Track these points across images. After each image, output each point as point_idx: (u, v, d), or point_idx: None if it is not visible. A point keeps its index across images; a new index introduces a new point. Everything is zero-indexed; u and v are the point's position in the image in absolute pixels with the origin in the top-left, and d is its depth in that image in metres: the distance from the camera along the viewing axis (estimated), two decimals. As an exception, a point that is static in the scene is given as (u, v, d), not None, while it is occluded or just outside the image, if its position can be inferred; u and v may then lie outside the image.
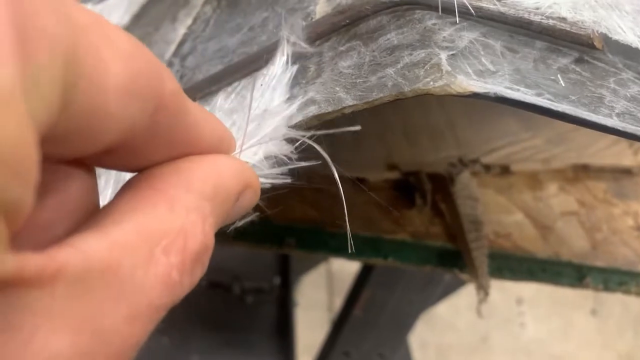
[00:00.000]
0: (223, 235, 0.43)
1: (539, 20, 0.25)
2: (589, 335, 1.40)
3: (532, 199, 0.52)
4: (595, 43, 0.25)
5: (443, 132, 0.52)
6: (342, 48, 0.25)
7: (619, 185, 0.56)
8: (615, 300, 1.39)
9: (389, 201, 0.48)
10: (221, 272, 1.00)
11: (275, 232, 0.44)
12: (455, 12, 0.24)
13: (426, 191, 0.48)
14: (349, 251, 0.45)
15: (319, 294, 1.39)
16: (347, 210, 0.47)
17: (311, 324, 1.33)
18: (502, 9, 0.25)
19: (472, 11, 0.24)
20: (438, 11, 0.24)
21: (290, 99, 0.25)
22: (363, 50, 0.25)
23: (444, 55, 0.23)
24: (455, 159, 0.51)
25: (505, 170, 0.52)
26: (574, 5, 0.26)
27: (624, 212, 0.54)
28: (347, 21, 0.25)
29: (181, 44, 0.34)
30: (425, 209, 0.48)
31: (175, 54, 0.34)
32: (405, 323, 0.84)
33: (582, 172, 0.56)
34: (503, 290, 1.40)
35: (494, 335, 1.37)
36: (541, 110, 0.22)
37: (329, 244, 0.45)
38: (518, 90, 0.23)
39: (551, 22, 0.25)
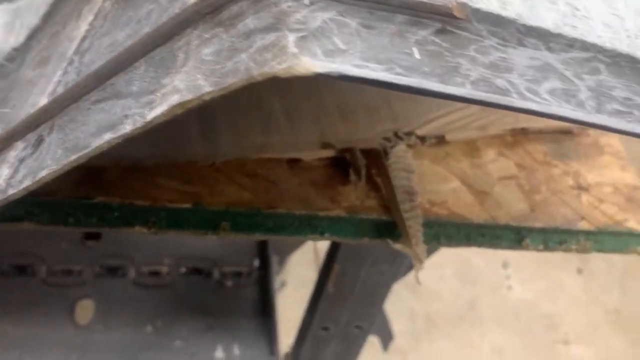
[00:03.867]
0: (155, 225, 0.44)
1: (395, -5, 0.25)
2: (576, 294, 1.42)
3: (469, 166, 0.53)
4: (455, 12, 0.26)
5: (379, 107, 0.53)
6: (206, 36, 0.26)
7: (560, 146, 0.57)
8: (600, 258, 1.41)
9: (325, 179, 0.49)
10: (200, 259, 1.01)
11: (209, 217, 0.45)
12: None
13: (360, 166, 0.49)
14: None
15: (307, 272, 1.40)
16: (283, 191, 0.48)
17: (301, 303, 1.35)
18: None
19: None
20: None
21: (159, 88, 0.26)
22: (224, 36, 0.25)
23: (292, 38, 0.23)
24: (391, 132, 0.51)
25: (440, 140, 0.53)
26: (432, -22, 0.26)
27: (564, 172, 0.55)
28: (209, 9, 0.26)
29: (82, 40, 0.35)
30: (360, 183, 0.49)
31: (76, 51, 0.35)
32: (379, 294, 0.86)
33: (521, 136, 0.56)
34: (488, 255, 1.41)
35: (481, 300, 1.38)
36: (387, 85, 0.23)
37: (264, 225, 0.46)
38: (366, 66, 0.23)
39: (408, -4, 0.26)
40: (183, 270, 1.00)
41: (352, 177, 0.49)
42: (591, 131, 0.59)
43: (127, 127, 0.26)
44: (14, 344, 0.87)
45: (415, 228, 0.47)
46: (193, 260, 1.00)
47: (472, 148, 0.54)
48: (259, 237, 0.47)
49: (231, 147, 0.47)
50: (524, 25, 0.27)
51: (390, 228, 0.48)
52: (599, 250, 0.53)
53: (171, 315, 0.96)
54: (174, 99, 0.25)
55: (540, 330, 1.36)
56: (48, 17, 0.41)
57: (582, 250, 0.52)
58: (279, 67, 0.22)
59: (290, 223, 0.47)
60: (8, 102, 0.36)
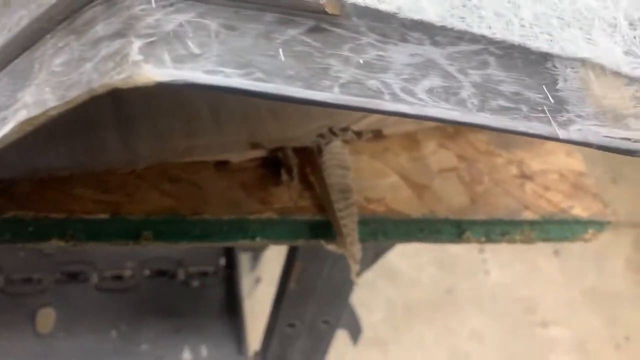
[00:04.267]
0: (73, 238, 0.42)
1: (261, -8, 0.24)
2: (553, 276, 1.41)
3: (408, 159, 0.51)
4: (327, 9, 0.24)
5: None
6: (60, 44, 0.24)
7: (504, 135, 0.55)
8: (576, 239, 1.40)
9: (256, 180, 0.47)
10: (164, 260, 0.99)
11: (129, 227, 0.43)
12: (169, -6, 0.23)
13: (292, 166, 0.47)
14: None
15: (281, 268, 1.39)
16: (210, 196, 0.46)
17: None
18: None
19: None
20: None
21: (13, 103, 0.24)
22: (75, 45, 0.23)
23: (137, 44, 0.21)
24: (325, 129, 0.50)
25: (378, 134, 0.51)
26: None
27: (507, 162, 0.54)
28: (63, 15, 0.24)
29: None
30: (293, 183, 0.47)
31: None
32: (343, 289, 0.84)
33: (463, 126, 0.54)
34: (464, 241, 1.40)
35: (459, 286, 1.38)
36: (242, 92, 0.21)
37: (190, 232, 0.44)
38: (220, 72, 0.21)
39: (275, -7, 0.24)
40: (147, 272, 0.98)
41: (284, 177, 0.47)
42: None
43: (-22, 148, 0.24)
44: (-25, 356, 0.86)
45: (350, 227, 0.46)
46: (157, 261, 0.98)
47: (411, 141, 0.52)
48: (185, 245, 0.45)
49: (153, 152, 0.45)
50: (408, 19, 0.25)
51: (325, 228, 0.47)
52: (545, 240, 0.52)
53: (136, 319, 0.94)
54: (22, 115, 0.23)
55: (518, 313, 1.36)
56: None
57: (527, 241, 0.51)
58: (117, 77, 0.20)
59: (218, 229, 0.45)
60: None
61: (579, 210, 0.52)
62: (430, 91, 0.23)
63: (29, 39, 0.25)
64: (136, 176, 0.44)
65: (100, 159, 0.44)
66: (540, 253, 1.42)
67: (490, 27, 0.26)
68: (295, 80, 0.22)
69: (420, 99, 0.23)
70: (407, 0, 0.25)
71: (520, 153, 0.55)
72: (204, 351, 0.93)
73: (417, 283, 1.37)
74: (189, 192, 0.45)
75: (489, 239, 0.50)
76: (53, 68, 0.23)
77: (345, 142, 0.50)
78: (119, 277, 0.95)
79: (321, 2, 0.24)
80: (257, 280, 1.33)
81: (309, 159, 0.49)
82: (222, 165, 0.47)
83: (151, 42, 0.22)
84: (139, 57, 0.21)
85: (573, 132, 0.24)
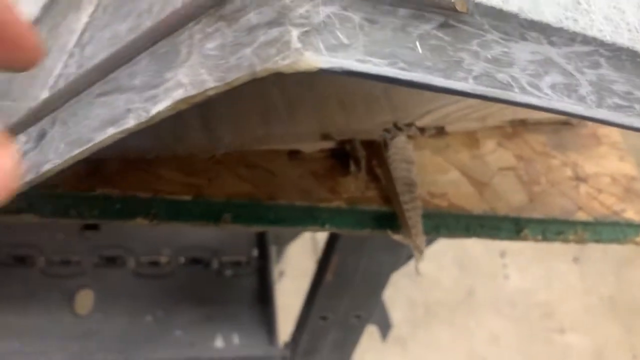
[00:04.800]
0: (156, 217, 0.44)
1: (399, -11, 0.25)
2: (572, 282, 1.43)
3: (469, 157, 0.53)
4: (457, 7, 0.26)
5: (378, 99, 0.53)
6: (209, 30, 0.26)
7: (558, 137, 0.57)
8: (596, 247, 1.41)
9: (326, 170, 0.49)
10: (199, 249, 1.02)
11: (211, 209, 0.45)
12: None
13: (360, 158, 0.49)
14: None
15: (305, 262, 1.41)
16: (284, 183, 0.48)
17: (299, 292, 1.36)
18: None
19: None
20: (299, -12, 0.25)
21: (162, 82, 0.26)
22: (227, 31, 0.25)
23: (295, 33, 0.23)
24: (390, 124, 0.52)
25: (440, 131, 0.53)
26: (435, -28, 0.26)
27: (562, 164, 0.56)
28: (212, 2, 0.26)
29: (83, 33, 0.35)
30: (361, 175, 0.49)
31: (76, 44, 0.35)
32: (378, 284, 0.86)
33: (520, 127, 0.56)
34: (486, 244, 1.42)
35: (479, 288, 1.39)
36: (390, 80, 0.23)
37: (266, 216, 0.46)
38: (370, 61, 0.23)
39: (410, -9, 0.26)
40: (182, 260, 1.00)
41: (352, 168, 0.49)
42: (589, 122, 0.59)
43: (131, 122, 0.26)
44: (14, 334, 0.88)
45: (415, 219, 0.48)
46: (192, 250, 1.01)
47: (472, 139, 0.54)
48: (260, 228, 0.47)
49: (232, 139, 0.47)
50: (526, 19, 0.27)
51: (390, 219, 0.49)
52: (597, 241, 0.53)
53: (171, 305, 0.96)
54: (178, 94, 0.25)
55: (536, 318, 1.38)
56: (48, 8, 0.40)
57: (580, 241, 0.53)
58: (282, 62, 0.22)
59: (291, 214, 0.47)
60: (9, 95, 0.36)
61: (631, 213, 0.54)
62: (553, 87, 0.25)
63: (174, 24, 0.27)
64: (216, 162, 0.46)
65: (184, 143, 0.46)
66: (560, 259, 1.44)
67: (600, 30, 0.28)
68: (434, 71, 0.24)
69: (546, 94, 0.25)
70: (527, 2, 0.27)
71: (574, 156, 0.56)
72: (235, 339, 0.95)
73: (438, 284, 1.39)
74: (264, 178, 0.47)
75: (545, 238, 0.52)
76: (207, 52, 0.25)
77: (410, 137, 0.52)
78: (155, 264, 0.97)
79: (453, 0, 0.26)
80: (281, 274, 1.36)
81: (375, 152, 0.50)
82: (294, 154, 0.49)
83: (306, 32, 0.23)
84: (299, 45, 0.23)
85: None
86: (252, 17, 0.25)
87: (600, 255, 1.44)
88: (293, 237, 1.37)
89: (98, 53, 0.32)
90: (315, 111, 0.51)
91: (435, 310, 1.36)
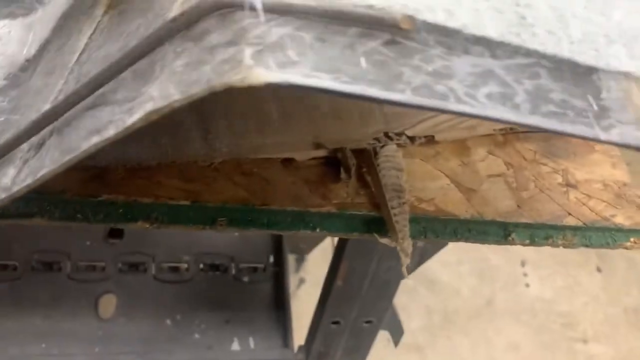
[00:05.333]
0: (157, 221, 0.47)
1: (349, 9, 0.28)
2: (595, 292, 1.41)
3: (459, 164, 0.55)
4: (401, 25, 0.28)
5: (372, 110, 0.56)
6: (179, 49, 0.29)
7: (549, 145, 0.59)
8: (620, 257, 1.40)
9: (317, 177, 0.52)
10: (218, 255, 1.05)
11: (207, 213, 0.48)
12: (273, 10, 0.28)
13: (350, 165, 0.52)
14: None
15: (324, 270, 1.43)
16: (277, 189, 0.51)
17: (317, 299, 1.38)
18: (314, 3, 0.28)
19: (285, 8, 0.28)
20: (257, 12, 0.28)
21: (138, 96, 0.29)
22: (193, 50, 0.28)
23: (249, 51, 0.26)
24: (381, 133, 0.54)
25: (430, 140, 0.55)
26: (382, -7, 0.29)
27: (553, 170, 0.57)
28: (183, 27, 0.29)
29: (82, 52, 0.39)
30: (351, 182, 0.52)
31: (76, 62, 0.38)
32: (387, 290, 0.88)
33: (511, 135, 0.58)
34: (506, 253, 1.42)
35: (498, 297, 1.39)
36: (333, 92, 0.26)
37: (259, 220, 0.49)
38: (315, 76, 0.26)
39: (360, 10, 0.28)
40: (201, 266, 1.04)
41: (343, 175, 0.52)
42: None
43: (111, 132, 0.29)
44: (41, 336, 0.93)
45: (402, 224, 0.50)
46: (211, 256, 1.05)
47: (462, 147, 0.56)
48: (254, 231, 0.50)
49: (229, 148, 0.50)
50: (472, 35, 0.29)
51: (378, 223, 0.51)
52: (586, 246, 0.54)
53: (190, 309, 1.00)
54: (149, 106, 0.28)
55: (557, 328, 1.37)
56: (57, 30, 0.44)
57: (569, 246, 0.54)
58: (234, 77, 0.25)
59: (283, 219, 0.50)
60: (19, 110, 0.40)
61: (621, 218, 0.55)
62: (489, 96, 0.27)
63: (151, 44, 0.30)
64: (214, 169, 0.49)
65: (183, 152, 0.49)
66: (582, 269, 1.43)
67: (542, 44, 0.30)
68: (375, 84, 0.27)
69: (481, 102, 0.27)
70: (472, 19, 0.29)
71: (565, 163, 0.58)
72: (251, 343, 0.98)
73: (457, 292, 1.39)
74: (259, 185, 0.50)
75: (533, 242, 0.53)
76: (175, 69, 0.28)
77: (400, 145, 0.54)
78: (175, 269, 1.01)
79: (397, 18, 0.28)
80: (301, 281, 1.38)
81: (365, 160, 0.53)
82: (288, 162, 0.52)
83: (259, 50, 0.26)
84: (251, 62, 0.26)
85: (614, 134, 0.27)
86: (214, 38, 0.28)
87: (624, 265, 1.42)
88: (312, 246, 1.40)
89: (93, 70, 0.35)
90: (309, 122, 0.53)
91: (453, 318, 1.36)
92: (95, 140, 0.30)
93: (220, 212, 0.48)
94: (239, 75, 0.25)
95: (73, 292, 0.98)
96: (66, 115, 0.33)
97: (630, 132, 0.27)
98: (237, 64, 0.26)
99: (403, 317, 1.05)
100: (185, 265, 1.03)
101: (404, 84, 0.27)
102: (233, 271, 1.04)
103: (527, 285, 1.42)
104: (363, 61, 0.27)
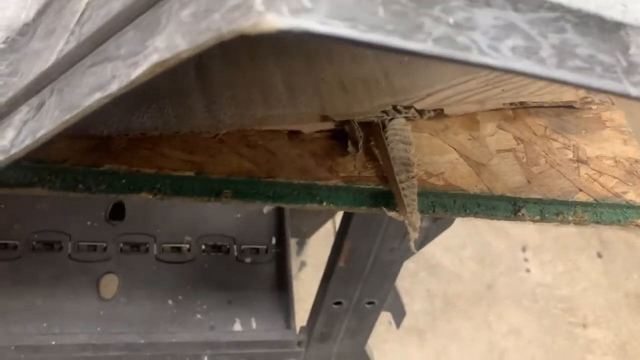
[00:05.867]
0: (160, 192, 0.46)
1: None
2: (595, 277, 1.41)
3: (468, 138, 0.54)
4: (422, -25, 0.27)
5: (378, 82, 0.54)
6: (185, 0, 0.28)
7: (560, 120, 0.57)
8: (620, 242, 1.39)
9: (324, 150, 0.51)
10: (219, 236, 1.04)
11: (212, 185, 0.47)
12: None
13: (358, 138, 0.50)
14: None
15: (326, 254, 1.43)
16: (283, 162, 0.50)
17: (319, 282, 1.38)
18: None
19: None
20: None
21: (143, 49, 0.28)
22: None
23: (260, -2, 0.25)
24: (390, 106, 0.53)
25: (439, 113, 0.54)
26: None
27: (563, 146, 0.56)
28: (189, -23, 0.28)
29: (83, 12, 0.37)
30: (358, 155, 0.50)
31: (77, 22, 0.37)
32: (390, 270, 0.87)
33: (522, 110, 0.57)
34: (507, 238, 1.41)
35: (499, 282, 1.39)
36: (349, 42, 0.24)
37: (264, 193, 0.48)
38: (330, 24, 0.25)
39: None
40: (203, 247, 1.03)
41: (351, 148, 0.51)
42: (594, 105, 0.59)
43: (114, 87, 0.28)
44: (42, 316, 0.92)
45: (410, 197, 0.49)
46: (213, 237, 1.03)
47: (471, 121, 0.55)
48: (259, 205, 0.49)
49: (233, 118, 0.49)
50: (491, -12, 0.28)
51: (386, 197, 0.50)
52: (597, 222, 0.53)
53: (192, 290, 0.99)
54: (154, 58, 0.27)
55: (558, 312, 1.36)
56: (57, -7, 0.43)
57: (580, 222, 0.53)
58: (245, 23, 0.24)
59: (289, 192, 0.48)
60: (17, 72, 0.39)
61: (633, 195, 0.54)
62: (513, 49, 0.26)
63: (156, -2, 0.29)
64: (218, 140, 0.48)
65: (187, 122, 0.48)
66: (583, 254, 1.42)
67: (567, -2, 0.28)
68: (394, 34, 0.25)
69: (504, 55, 0.26)
70: (492, -29, 0.28)
71: (575, 139, 0.56)
72: (253, 324, 0.98)
73: (458, 277, 1.39)
74: (264, 157, 0.49)
75: (543, 218, 0.52)
76: (182, 19, 0.27)
77: (408, 119, 0.53)
78: (177, 250, 1.00)
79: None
80: (302, 265, 1.38)
81: (373, 133, 0.52)
82: (294, 134, 0.51)
83: (274, -3, 0.25)
84: (262, 8, 0.24)
85: (642, 91, 0.26)
86: (224, -13, 0.26)
87: (625, 250, 1.41)
88: (314, 230, 1.39)
89: (93, 29, 0.34)
90: (315, 94, 0.52)
91: (454, 302, 1.36)
92: (97, 96, 0.28)
93: (225, 185, 0.47)
94: (249, 22, 0.24)
95: (74, 272, 0.97)
96: (67, 73, 0.32)
97: (659, 89, 0.26)
98: (247, 9, 0.24)
99: (405, 299, 1.05)
100: (187, 246, 1.02)
101: (424, 35, 0.26)
102: (235, 252, 1.03)
103: (528, 270, 1.41)
104: (381, 10, 0.26)
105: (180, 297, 0.98)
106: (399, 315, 0.99)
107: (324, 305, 0.91)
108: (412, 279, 1.35)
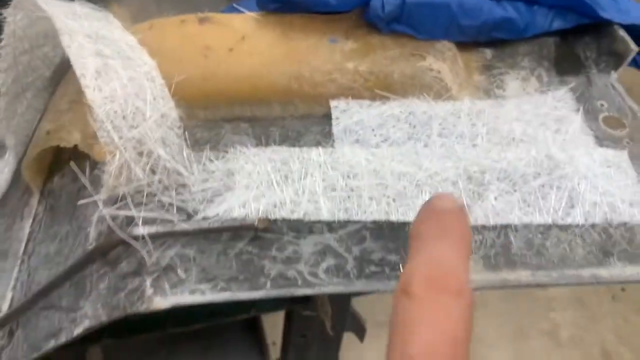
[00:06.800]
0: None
1: (217, 225, 0.39)
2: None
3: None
4: (258, 225, 0.39)
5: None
6: (101, 272, 0.39)
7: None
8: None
9: None
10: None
11: None
12: (162, 237, 0.38)
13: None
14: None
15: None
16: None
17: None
18: (190, 226, 0.38)
19: (169, 233, 0.38)
20: (146, 242, 0.38)
21: (78, 308, 0.39)
22: (110, 275, 0.39)
23: (149, 281, 0.37)
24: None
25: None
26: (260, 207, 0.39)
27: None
28: (98, 254, 0.39)
29: (27, 242, 0.48)
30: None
31: (24, 252, 0.48)
32: (342, 303, 1.00)
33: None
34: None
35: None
36: (211, 302, 0.36)
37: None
38: (199, 290, 0.37)
39: (225, 223, 0.39)
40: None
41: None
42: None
43: (63, 338, 0.40)
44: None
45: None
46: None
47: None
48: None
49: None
50: (310, 220, 0.40)
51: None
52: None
53: (170, 342, 1.11)
54: (87, 323, 0.38)
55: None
56: (0, 209, 0.54)
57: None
58: (141, 307, 0.36)
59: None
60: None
61: None
62: (327, 270, 0.38)
63: (80, 263, 0.40)
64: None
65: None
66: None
67: (365, 212, 0.40)
68: (244, 283, 0.37)
69: (321, 279, 0.38)
70: (310, 207, 0.40)
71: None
72: (231, 366, 1.11)
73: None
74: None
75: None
76: (100, 291, 0.38)
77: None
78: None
79: (255, 222, 0.39)
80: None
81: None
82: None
83: (157, 277, 0.37)
84: (151, 291, 0.36)
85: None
86: (124, 266, 0.38)
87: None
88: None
89: (39, 267, 0.45)
90: None
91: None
92: (52, 343, 0.40)
93: None
94: (144, 305, 0.36)
95: None
96: (27, 312, 0.44)
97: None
98: (141, 294, 0.36)
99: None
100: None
101: (265, 277, 0.38)
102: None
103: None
104: (234, 264, 0.38)
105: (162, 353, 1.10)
106: (361, 332, 1.12)
107: (291, 339, 1.04)
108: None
